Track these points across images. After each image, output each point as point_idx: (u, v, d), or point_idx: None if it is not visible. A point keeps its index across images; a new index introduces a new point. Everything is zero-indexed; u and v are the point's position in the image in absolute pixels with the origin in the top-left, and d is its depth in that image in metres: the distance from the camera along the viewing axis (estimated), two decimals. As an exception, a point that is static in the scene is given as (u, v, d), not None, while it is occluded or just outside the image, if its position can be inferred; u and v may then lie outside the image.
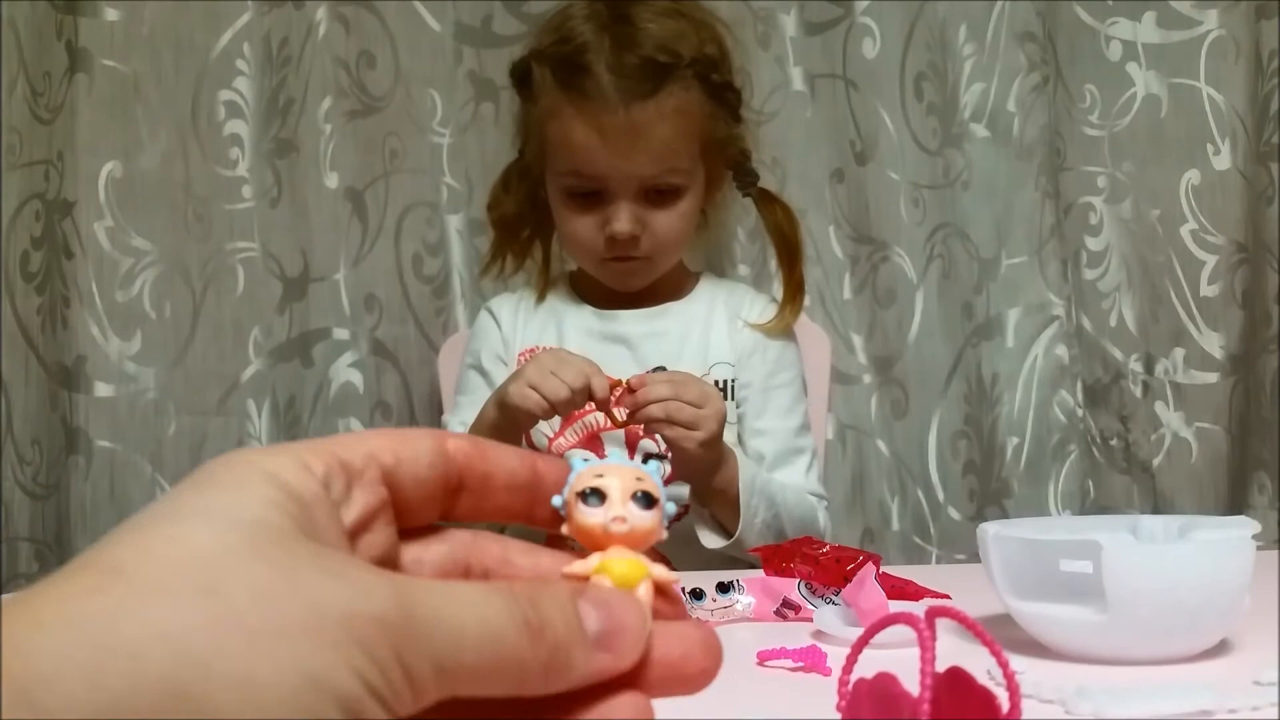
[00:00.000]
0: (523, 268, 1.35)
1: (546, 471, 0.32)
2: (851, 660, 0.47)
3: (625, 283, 1.28)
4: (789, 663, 0.67)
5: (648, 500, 0.30)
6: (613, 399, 1.11)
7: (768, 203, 1.32)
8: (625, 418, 1.12)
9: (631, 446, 1.22)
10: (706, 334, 1.29)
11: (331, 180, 1.44)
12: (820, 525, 1.24)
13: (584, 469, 0.31)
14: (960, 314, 1.47)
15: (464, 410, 1.27)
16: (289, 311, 1.43)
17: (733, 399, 1.26)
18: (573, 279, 1.35)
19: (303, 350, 1.43)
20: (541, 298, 1.33)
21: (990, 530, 0.71)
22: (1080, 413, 1.46)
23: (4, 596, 0.23)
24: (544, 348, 1.25)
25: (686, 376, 1.14)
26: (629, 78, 1.16)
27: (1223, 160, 1.41)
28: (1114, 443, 1.46)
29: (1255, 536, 0.67)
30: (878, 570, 0.79)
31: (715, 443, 1.12)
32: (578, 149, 1.19)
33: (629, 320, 1.29)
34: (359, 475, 0.29)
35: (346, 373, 1.44)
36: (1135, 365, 1.45)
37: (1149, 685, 0.58)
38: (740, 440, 1.26)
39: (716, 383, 1.22)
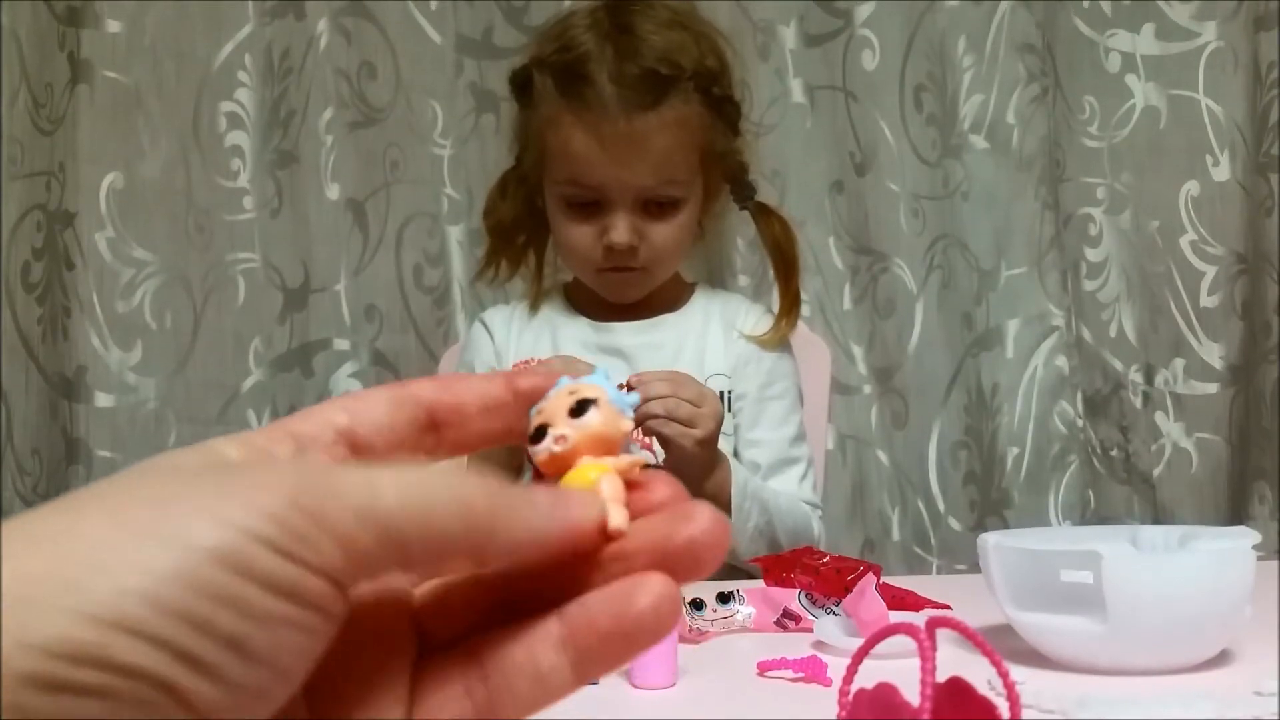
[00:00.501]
0: (517, 274, 1.34)
1: (522, 383, 0.31)
2: (852, 670, 0.47)
3: (621, 294, 1.28)
4: (789, 673, 0.67)
5: (587, 406, 0.29)
6: None
7: (765, 216, 1.31)
8: None
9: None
10: (702, 346, 1.28)
11: (332, 191, 1.44)
12: (814, 533, 1.23)
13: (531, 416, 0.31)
14: (960, 324, 1.47)
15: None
16: (290, 322, 1.43)
17: (729, 410, 1.25)
18: (568, 290, 1.34)
19: (303, 361, 1.44)
20: (534, 307, 1.33)
21: (991, 540, 0.71)
22: (1080, 423, 1.46)
23: None
24: (538, 360, 1.24)
25: (685, 376, 1.14)
26: (630, 88, 1.16)
27: (1222, 171, 1.41)
28: (1114, 453, 1.46)
29: (1255, 547, 0.67)
30: (878, 581, 0.79)
31: (711, 443, 1.12)
32: (577, 158, 1.19)
33: (624, 332, 1.29)
34: (312, 441, 0.29)
35: (347, 383, 1.44)
36: (1135, 376, 1.45)
37: (1149, 695, 0.58)
38: (735, 452, 1.25)
39: (713, 393, 1.22)
